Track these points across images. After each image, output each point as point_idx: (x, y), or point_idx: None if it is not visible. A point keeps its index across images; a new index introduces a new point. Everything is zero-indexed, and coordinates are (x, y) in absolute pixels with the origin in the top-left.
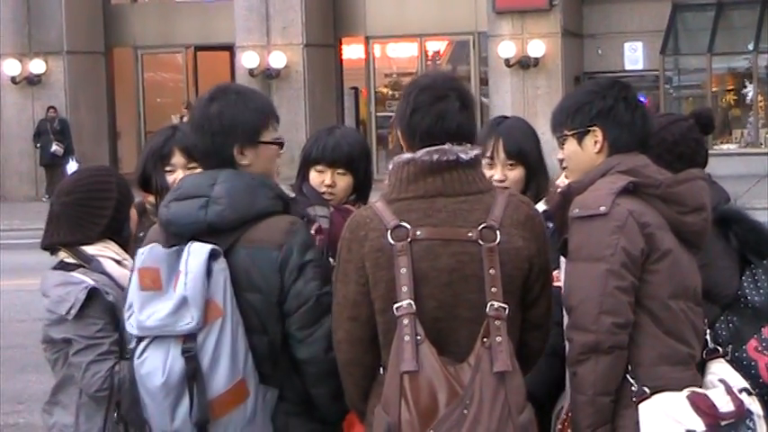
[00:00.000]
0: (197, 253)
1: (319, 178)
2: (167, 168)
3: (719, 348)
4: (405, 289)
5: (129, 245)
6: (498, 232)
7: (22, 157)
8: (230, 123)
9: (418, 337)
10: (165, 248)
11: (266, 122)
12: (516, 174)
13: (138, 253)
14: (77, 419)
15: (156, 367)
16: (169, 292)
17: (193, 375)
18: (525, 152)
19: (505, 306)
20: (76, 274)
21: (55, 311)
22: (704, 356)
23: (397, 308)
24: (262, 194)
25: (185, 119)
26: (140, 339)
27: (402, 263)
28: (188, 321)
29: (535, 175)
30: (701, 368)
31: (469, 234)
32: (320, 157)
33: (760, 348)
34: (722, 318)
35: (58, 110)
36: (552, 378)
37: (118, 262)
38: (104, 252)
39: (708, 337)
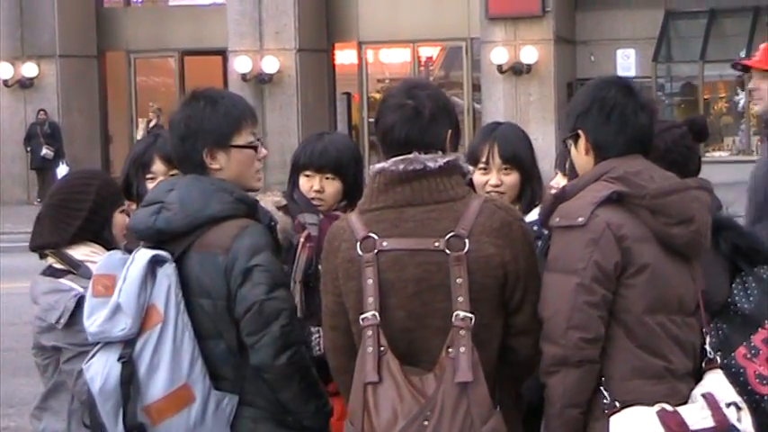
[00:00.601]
0: (138, 259)
1: (308, 184)
2: (149, 176)
3: (717, 359)
4: (370, 300)
5: (114, 247)
6: (467, 241)
7: (15, 160)
8: (197, 127)
9: (381, 348)
10: (121, 255)
11: (238, 126)
12: (512, 179)
13: (97, 260)
14: (69, 426)
15: (96, 372)
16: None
17: (129, 381)
18: (520, 157)
19: (471, 316)
20: (65, 281)
21: (45, 319)
22: (703, 366)
23: (362, 319)
24: (215, 199)
25: (152, 123)
26: (95, 345)
27: (368, 274)
28: (122, 327)
29: (530, 181)
30: (699, 379)
31: (436, 244)
32: (308, 162)
33: (749, 356)
34: (712, 325)
35: (50, 113)
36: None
37: None
38: (92, 257)
39: (707, 346)
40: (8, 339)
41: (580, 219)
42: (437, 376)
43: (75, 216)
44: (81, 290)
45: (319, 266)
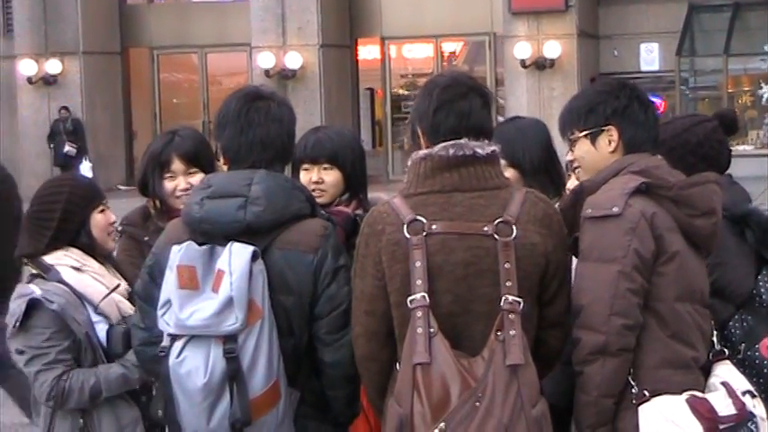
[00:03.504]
0: (239, 253)
1: (307, 176)
2: (167, 175)
3: (725, 351)
4: (419, 282)
5: (95, 250)
6: (514, 227)
7: (39, 157)
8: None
9: (431, 330)
10: (198, 247)
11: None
12: (507, 175)
13: (172, 250)
14: (51, 427)
15: (196, 367)
16: (206, 291)
17: (234, 376)
18: (516, 155)
19: (520, 300)
20: (31, 286)
21: (9, 324)
22: (710, 358)
23: (410, 300)
24: (295, 197)
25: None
26: (174, 338)
27: (417, 256)
28: (232, 322)
29: (529, 180)
30: (707, 370)
31: (485, 228)
32: (303, 155)
33: None
34: (736, 316)
35: (74, 110)
36: (570, 387)
37: (77, 269)
38: (62, 261)
39: (714, 338)
40: None
41: (615, 209)
42: (485, 359)
43: (47, 226)
44: (38, 293)
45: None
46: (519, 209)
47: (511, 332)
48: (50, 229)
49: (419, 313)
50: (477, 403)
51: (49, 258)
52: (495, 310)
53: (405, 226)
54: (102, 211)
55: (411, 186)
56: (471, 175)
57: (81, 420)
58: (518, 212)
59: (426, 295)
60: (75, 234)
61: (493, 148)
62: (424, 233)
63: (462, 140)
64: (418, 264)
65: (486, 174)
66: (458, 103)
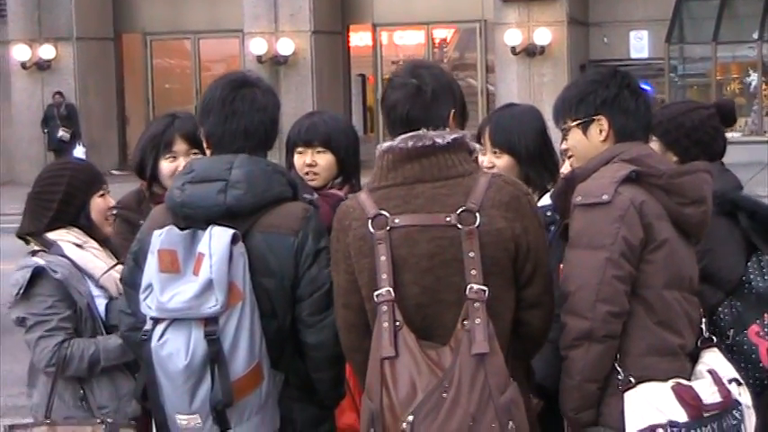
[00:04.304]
0: (219, 236)
1: (301, 159)
2: (168, 156)
3: (714, 338)
4: (384, 276)
5: (94, 232)
6: (478, 215)
7: (32, 142)
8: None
9: (397, 324)
10: (180, 231)
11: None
12: (503, 162)
13: (154, 235)
14: (51, 397)
15: (177, 349)
16: (187, 274)
17: (215, 358)
18: (512, 142)
19: (485, 288)
20: (34, 258)
21: (12, 294)
22: (698, 345)
23: (376, 295)
24: (276, 180)
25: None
26: (156, 321)
27: (381, 251)
28: (213, 304)
29: (526, 166)
30: (695, 357)
31: (447, 219)
32: (297, 138)
33: (762, 333)
34: (725, 302)
35: (67, 95)
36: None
37: (79, 246)
38: (65, 237)
39: (703, 326)
40: None
41: (605, 196)
42: (453, 349)
43: (49, 207)
44: (43, 262)
45: None
46: (482, 195)
47: (476, 321)
48: (51, 210)
49: (384, 308)
50: (444, 394)
51: (51, 235)
52: (464, 299)
53: (369, 221)
54: (102, 195)
55: (375, 180)
56: (433, 165)
57: (81, 391)
58: (481, 199)
59: (392, 290)
60: (74, 216)
61: (453, 136)
62: (388, 227)
63: (421, 131)
64: (383, 258)
65: (448, 162)
66: (392, 94)
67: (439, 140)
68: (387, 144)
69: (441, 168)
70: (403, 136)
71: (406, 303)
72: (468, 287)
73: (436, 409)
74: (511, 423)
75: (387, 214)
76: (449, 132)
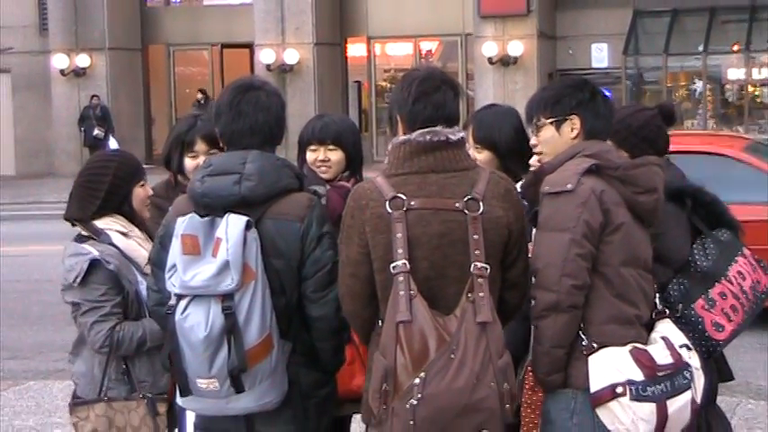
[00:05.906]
0: (235, 223)
1: (314, 155)
2: (191, 154)
3: (667, 310)
4: (400, 251)
5: (135, 218)
6: (481, 203)
7: (69, 139)
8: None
9: (411, 292)
10: (200, 218)
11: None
12: (484, 156)
13: (177, 221)
14: (92, 369)
15: (198, 322)
16: (207, 256)
17: (231, 330)
18: (493, 139)
19: (487, 266)
20: (86, 246)
21: (66, 279)
22: (653, 317)
23: (393, 267)
24: (285, 174)
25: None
26: (179, 297)
27: (398, 228)
28: (229, 283)
29: (505, 159)
30: (650, 327)
31: (456, 204)
32: (311, 136)
33: (706, 307)
34: (674, 280)
35: (101, 99)
36: (523, 338)
37: (124, 234)
38: (112, 226)
39: (657, 300)
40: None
41: (569, 185)
42: (458, 317)
43: (96, 195)
44: (96, 254)
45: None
46: (485, 187)
47: (480, 294)
48: (98, 198)
49: (401, 278)
50: (452, 355)
51: (99, 223)
52: (465, 275)
53: (387, 202)
54: (142, 185)
55: (392, 168)
56: (444, 158)
57: (124, 365)
58: (484, 190)
59: (407, 262)
60: (119, 204)
61: (461, 134)
62: (404, 208)
63: (437, 128)
64: (399, 235)
65: (456, 157)
66: (433, 95)
67: (452, 137)
68: (403, 137)
69: (450, 161)
70: (421, 131)
71: (417, 276)
72: (473, 264)
73: (445, 367)
74: (506, 384)
75: (403, 197)
76: (458, 130)
